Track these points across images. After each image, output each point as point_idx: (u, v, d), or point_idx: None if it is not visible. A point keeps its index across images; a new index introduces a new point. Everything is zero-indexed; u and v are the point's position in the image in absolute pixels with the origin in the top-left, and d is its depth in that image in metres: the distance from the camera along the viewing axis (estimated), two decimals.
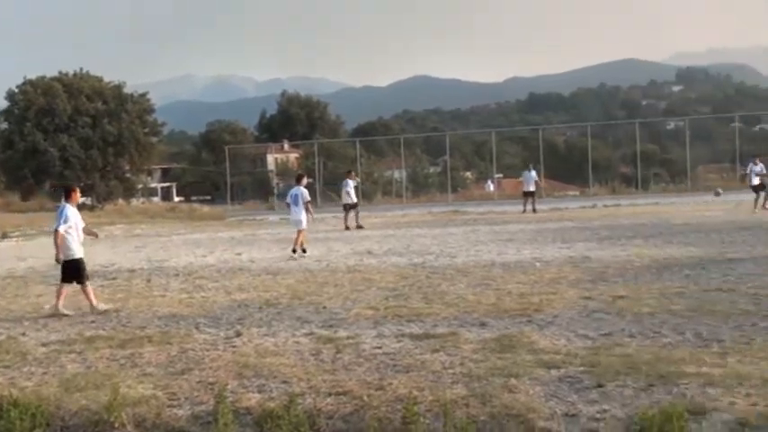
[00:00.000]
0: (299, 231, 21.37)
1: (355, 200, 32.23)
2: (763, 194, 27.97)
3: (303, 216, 21.49)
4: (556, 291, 12.87)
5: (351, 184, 32.27)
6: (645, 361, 8.00)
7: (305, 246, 21.32)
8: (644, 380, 7.38)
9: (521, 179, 39.71)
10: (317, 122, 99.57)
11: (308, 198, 21.98)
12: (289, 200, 22.25)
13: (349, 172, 34.87)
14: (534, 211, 36.27)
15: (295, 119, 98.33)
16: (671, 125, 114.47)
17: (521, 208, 37.18)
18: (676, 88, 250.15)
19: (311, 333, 10.28)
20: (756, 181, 27.85)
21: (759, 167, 28.45)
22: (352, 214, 31.27)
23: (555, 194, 53.88)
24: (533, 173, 38.34)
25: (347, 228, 30.47)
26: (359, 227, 30.39)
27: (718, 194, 29.76)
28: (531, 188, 37.72)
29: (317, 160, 59.55)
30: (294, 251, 20.97)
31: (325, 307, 12.30)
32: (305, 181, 22.93)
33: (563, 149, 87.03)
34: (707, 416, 6.41)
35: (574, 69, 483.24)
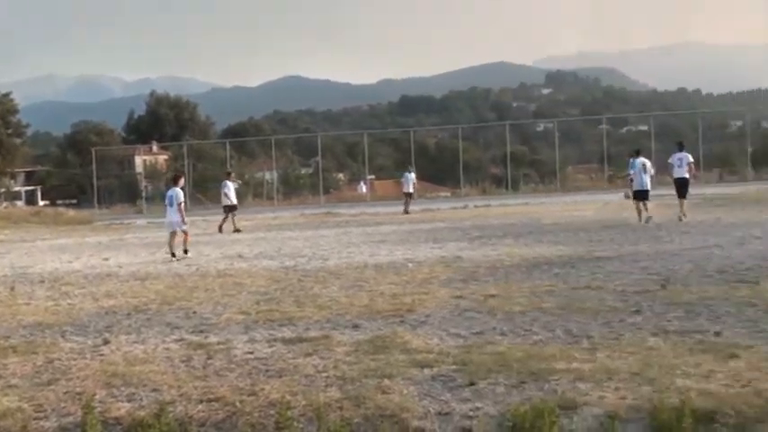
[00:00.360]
0: (173, 234, 21.30)
1: (235, 202, 31.92)
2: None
3: (177, 217, 21.38)
4: (428, 291, 12.95)
5: (230, 186, 31.98)
6: (516, 358, 8.09)
7: (187, 247, 21.32)
8: (516, 377, 7.46)
9: (402, 180, 39.87)
10: (186, 123, 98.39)
11: (182, 199, 21.85)
12: (165, 201, 22.08)
13: (229, 173, 34.58)
14: (407, 212, 36.54)
15: (164, 120, 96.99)
16: (540, 127, 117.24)
17: (395, 209, 37.41)
18: (546, 91, 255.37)
19: (181, 339, 10.09)
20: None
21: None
22: (230, 217, 31.00)
23: (427, 195, 54.51)
24: (413, 174, 38.58)
25: (221, 230, 30.16)
26: (236, 230, 30.08)
27: (628, 197, 30.12)
28: (411, 189, 37.96)
29: (186, 162, 58.88)
30: (173, 255, 20.85)
31: (195, 312, 12.09)
32: (181, 182, 22.80)
33: (434, 151, 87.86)
34: (578, 410, 6.53)
35: (445, 72, 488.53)
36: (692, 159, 26.45)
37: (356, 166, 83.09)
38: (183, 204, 21.87)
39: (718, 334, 8.87)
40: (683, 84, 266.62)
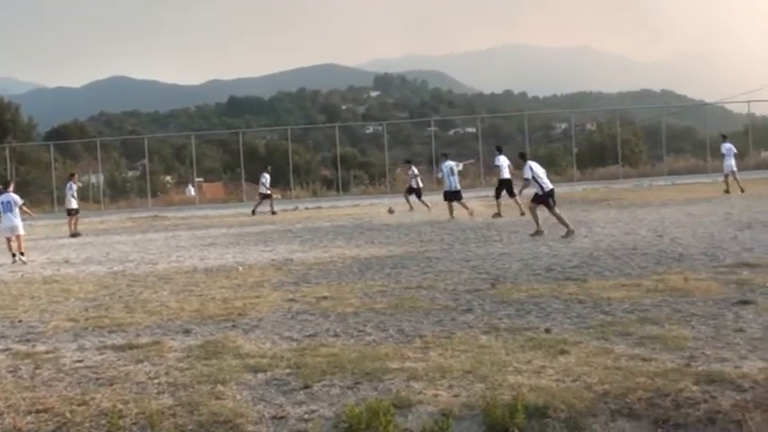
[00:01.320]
0: (19, 237, 21.32)
1: (77, 205, 31.10)
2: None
3: (19, 221, 21.61)
4: (259, 294, 12.98)
5: (74, 188, 31.19)
6: (350, 359, 8.20)
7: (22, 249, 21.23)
8: (350, 378, 7.56)
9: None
10: (8, 125, 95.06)
11: (22, 201, 22.29)
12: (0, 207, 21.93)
13: (72, 175, 33.54)
14: (273, 213, 36.28)
15: None
16: (370, 129, 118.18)
17: (224, 212, 37.10)
18: (374, 93, 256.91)
19: (7, 349, 9.84)
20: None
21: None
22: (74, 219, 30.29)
23: (256, 198, 54.23)
24: (267, 176, 38.07)
25: (75, 234, 29.37)
26: (75, 234, 29.37)
27: (391, 212, 30.67)
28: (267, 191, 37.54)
29: (9, 165, 56.94)
30: (14, 255, 20.89)
31: (21, 320, 11.79)
32: (12, 186, 23.03)
33: (264, 153, 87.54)
34: (412, 409, 6.64)
35: (273, 73, 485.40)
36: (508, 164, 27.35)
37: (184, 169, 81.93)
38: (24, 206, 22.40)
39: (548, 331, 9.15)
40: (508, 86, 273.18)
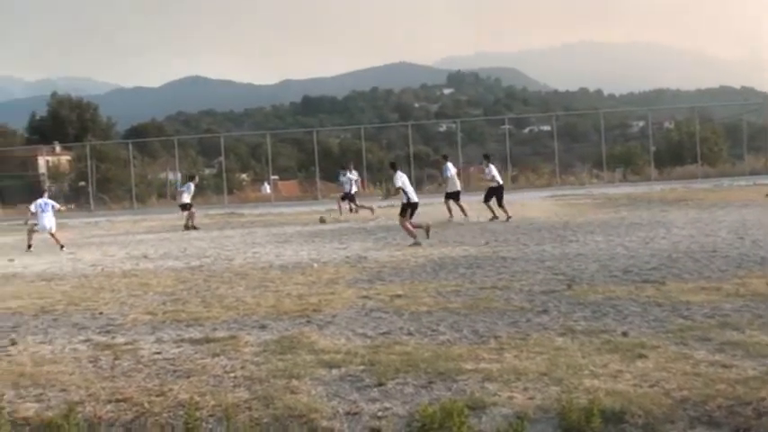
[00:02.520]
0: (53, 234, 24.54)
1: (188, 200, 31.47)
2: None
3: (53, 220, 25.11)
4: (334, 291, 13.03)
5: (192, 187, 31.80)
6: (424, 358, 8.15)
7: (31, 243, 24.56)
8: (424, 377, 7.52)
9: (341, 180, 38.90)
10: (88, 124, 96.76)
11: (58, 206, 26.14)
12: (36, 208, 25.24)
13: (193, 176, 34.42)
14: (356, 211, 35.39)
15: (66, 121, 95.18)
16: (443, 127, 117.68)
17: (299, 210, 37.16)
18: (447, 91, 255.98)
19: (88, 340, 10.06)
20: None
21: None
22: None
23: (330, 196, 54.37)
24: (356, 173, 37.70)
25: (191, 228, 30.21)
26: (191, 228, 30.25)
27: (323, 221, 30.39)
28: (354, 189, 37.06)
29: (89, 163, 57.91)
30: (62, 247, 23.58)
31: (101, 313, 12.05)
32: (47, 194, 26.72)
33: (337, 152, 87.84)
34: (486, 410, 6.56)
35: (347, 72, 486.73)
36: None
37: (260, 167, 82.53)
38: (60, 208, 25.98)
39: (625, 334, 8.95)
40: (583, 84, 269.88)
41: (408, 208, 20.83)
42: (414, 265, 16.06)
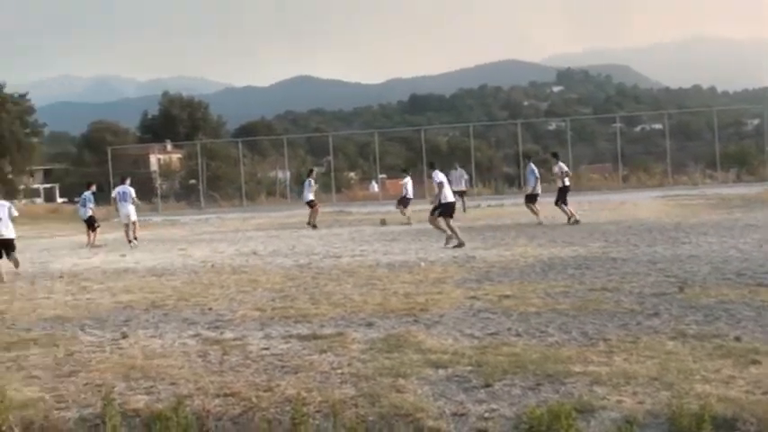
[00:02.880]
0: (134, 223, 25.45)
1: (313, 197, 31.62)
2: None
3: (131, 209, 25.68)
4: (441, 290, 12.96)
5: (312, 183, 31.86)
6: (532, 360, 8.03)
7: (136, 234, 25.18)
8: (532, 379, 7.40)
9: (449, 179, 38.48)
10: (199, 123, 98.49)
11: (134, 194, 26.25)
12: (116, 195, 26.43)
13: (311, 171, 34.74)
14: (463, 210, 34.83)
15: (177, 119, 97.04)
16: (552, 126, 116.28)
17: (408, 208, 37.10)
18: (557, 89, 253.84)
19: (198, 334, 10.21)
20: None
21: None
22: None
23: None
24: (462, 171, 37.37)
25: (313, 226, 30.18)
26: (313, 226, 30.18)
27: (384, 223, 29.80)
28: (462, 187, 36.57)
29: (200, 161, 58.96)
30: (130, 241, 24.76)
31: (211, 308, 12.22)
32: (128, 180, 26.70)
33: (446, 150, 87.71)
34: (595, 414, 6.44)
35: (454, 70, 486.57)
36: None
37: (367, 165, 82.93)
38: (134, 198, 26.09)
39: (738, 339, 8.68)
40: (696, 81, 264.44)
41: (441, 208, 20.92)
42: (523, 265, 15.87)
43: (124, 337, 10.25)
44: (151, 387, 7.79)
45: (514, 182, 58.34)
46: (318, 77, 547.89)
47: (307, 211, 31.37)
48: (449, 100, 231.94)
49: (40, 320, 11.95)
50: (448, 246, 19.95)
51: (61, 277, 17.48)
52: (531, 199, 27.35)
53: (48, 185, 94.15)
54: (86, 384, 8.00)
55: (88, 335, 10.58)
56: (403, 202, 32.02)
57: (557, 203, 26.80)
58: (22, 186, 75.42)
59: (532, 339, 9.13)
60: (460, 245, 19.81)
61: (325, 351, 8.90)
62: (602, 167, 68.54)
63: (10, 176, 70.35)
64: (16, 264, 18.47)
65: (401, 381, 7.49)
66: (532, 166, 28.07)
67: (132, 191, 26.20)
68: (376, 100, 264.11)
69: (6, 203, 18.97)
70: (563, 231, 22.91)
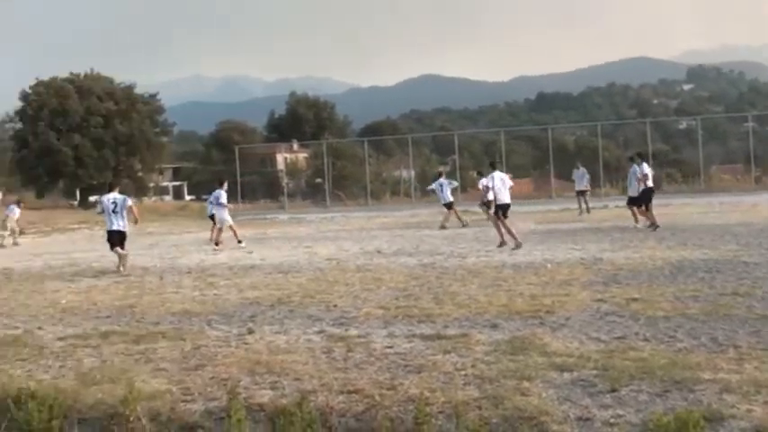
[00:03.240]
0: (226, 227, 25.12)
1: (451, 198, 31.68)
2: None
3: (226, 214, 25.31)
4: (568, 292, 12.77)
5: (446, 184, 31.83)
6: (660, 365, 7.83)
7: (239, 237, 24.85)
8: (659, 385, 7.23)
9: (573, 178, 38.15)
10: (325, 122, 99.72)
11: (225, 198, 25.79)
12: (213, 200, 26.12)
13: (440, 173, 34.51)
14: (587, 210, 34.74)
15: (303, 119, 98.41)
16: (683, 124, 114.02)
17: (530, 209, 36.84)
18: (687, 87, 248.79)
19: (322, 331, 10.29)
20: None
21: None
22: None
23: (566, 195, 53.73)
24: (583, 170, 36.92)
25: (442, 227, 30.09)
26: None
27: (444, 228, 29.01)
28: (583, 187, 36.12)
29: (325, 160, 59.61)
30: (217, 243, 24.51)
31: (335, 305, 12.31)
32: (225, 185, 26.30)
33: (573, 149, 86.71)
34: (724, 423, 6.25)
35: (582, 68, 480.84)
36: None
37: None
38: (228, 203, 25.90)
39: None
40: None
41: (498, 208, 21.36)
42: (651, 267, 15.53)
43: (250, 332, 10.41)
44: (275, 382, 7.88)
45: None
46: (444, 76, 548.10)
47: (431, 211, 31.18)
48: (576, 98, 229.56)
49: (168, 314, 12.25)
50: (501, 247, 20.37)
51: (189, 273, 17.87)
52: (634, 201, 26.59)
53: (176, 183, 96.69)
54: (212, 378, 8.15)
55: (215, 329, 10.80)
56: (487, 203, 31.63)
57: (634, 205, 26.17)
58: (151, 184, 77.59)
59: (660, 344, 8.90)
60: (517, 246, 20.02)
61: (448, 351, 8.85)
62: (734, 168, 66.81)
63: (140, 174, 72.37)
64: (123, 262, 18.75)
65: (525, 383, 7.40)
66: (636, 167, 27.36)
67: (224, 195, 25.82)
68: (502, 98, 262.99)
69: (120, 197, 19.42)
70: (693, 234, 22.36)
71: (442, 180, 31.81)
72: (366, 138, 73.93)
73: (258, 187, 74.36)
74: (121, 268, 18.37)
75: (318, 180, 64.73)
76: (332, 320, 11.04)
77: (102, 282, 16.96)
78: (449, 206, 30.71)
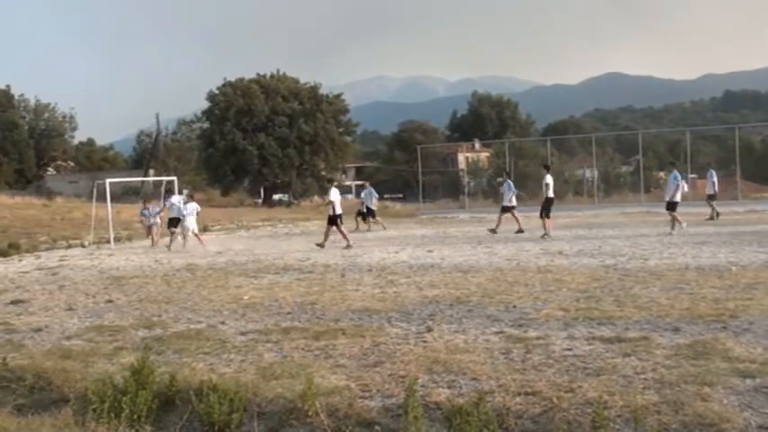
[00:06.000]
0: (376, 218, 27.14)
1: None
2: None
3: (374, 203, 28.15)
4: (752, 296, 12.42)
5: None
6: None
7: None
8: None
9: (705, 180, 37.42)
10: (507, 122, 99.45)
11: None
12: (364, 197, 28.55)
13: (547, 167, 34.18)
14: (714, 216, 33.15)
15: (485, 118, 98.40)
16: None
17: (725, 210, 35.68)
18: None
19: (501, 332, 10.32)
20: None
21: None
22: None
23: (752, 196, 52.02)
24: (712, 172, 35.83)
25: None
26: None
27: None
28: (711, 191, 34.98)
29: (507, 160, 59.37)
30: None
31: (515, 306, 12.32)
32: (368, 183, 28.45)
33: (760, 150, 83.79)
34: None
35: None
36: None
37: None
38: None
39: None
40: None
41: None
42: None
43: (429, 330, 10.55)
44: (453, 381, 7.98)
45: None
46: (628, 74, 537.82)
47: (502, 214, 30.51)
48: (765, 96, 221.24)
49: (349, 311, 12.50)
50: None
51: (370, 270, 18.16)
52: (672, 207, 25.76)
53: (359, 182, 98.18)
54: (390, 375, 8.31)
55: (394, 327, 10.97)
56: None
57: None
58: (335, 183, 79.05)
59: None
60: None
61: (628, 355, 8.77)
62: None
63: (323, 173, 73.75)
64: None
65: (706, 389, 7.28)
66: (676, 172, 26.46)
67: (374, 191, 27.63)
68: (688, 96, 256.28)
69: (184, 201, 21.17)
70: None
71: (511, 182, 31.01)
72: (549, 137, 73.35)
73: (439, 186, 74.80)
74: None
75: (500, 179, 64.61)
76: (511, 321, 11.05)
77: (285, 278, 17.41)
78: (508, 209, 30.23)
